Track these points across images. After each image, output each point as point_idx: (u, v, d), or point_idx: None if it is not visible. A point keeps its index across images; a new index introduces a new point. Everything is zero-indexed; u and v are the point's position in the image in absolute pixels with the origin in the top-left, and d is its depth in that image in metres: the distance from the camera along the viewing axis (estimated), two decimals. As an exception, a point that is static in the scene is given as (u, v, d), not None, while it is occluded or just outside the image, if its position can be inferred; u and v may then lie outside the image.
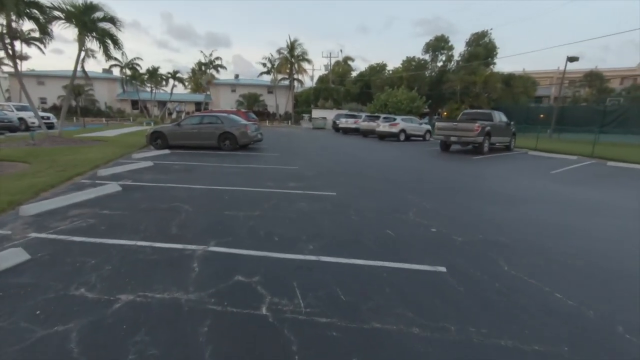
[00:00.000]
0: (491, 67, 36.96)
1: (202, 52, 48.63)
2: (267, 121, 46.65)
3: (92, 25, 13.96)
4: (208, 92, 51.57)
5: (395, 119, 22.23)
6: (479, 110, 17.00)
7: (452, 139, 15.27)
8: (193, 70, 54.82)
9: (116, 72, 43.77)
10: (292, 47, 45.63)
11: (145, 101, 45.81)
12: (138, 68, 41.47)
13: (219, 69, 47.13)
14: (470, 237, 4.53)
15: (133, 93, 45.20)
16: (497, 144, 16.49)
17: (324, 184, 7.87)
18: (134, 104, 47.79)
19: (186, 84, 64.89)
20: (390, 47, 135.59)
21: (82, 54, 14.91)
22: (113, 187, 6.80)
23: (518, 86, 37.07)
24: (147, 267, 3.50)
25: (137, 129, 24.24)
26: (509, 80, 36.22)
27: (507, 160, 14.12)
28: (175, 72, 41.41)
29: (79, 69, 15.13)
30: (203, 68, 51.13)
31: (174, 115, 46.16)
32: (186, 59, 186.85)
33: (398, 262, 3.66)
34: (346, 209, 5.85)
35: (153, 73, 40.65)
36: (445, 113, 45.02)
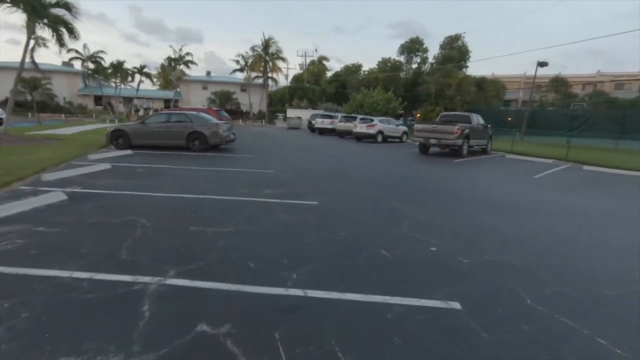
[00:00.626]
0: (464, 70, 37.47)
1: (171, 46, 46.13)
2: (240, 120, 45.30)
3: (42, 10, 12.54)
4: (178, 89, 49.52)
5: (372, 120, 21.83)
6: (457, 113, 16.87)
7: (432, 141, 14.96)
8: (162, 66, 52.59)
9: (77, 65, 40.96)
10: (266, 44, 44.56)
11: (109, 97, 43.17)
12: (102, 61, 39.01)
13: (189, 64, 45.44)
14: (476, 258, 3.96)
15: (96, 88, 42.47)
16: (475, 147, 16.37)
17: (304, 190, 7.15)
18: (97, 99, 44.91)
19: (155, 80, 62.46)
20: (364, 49, 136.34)
21: (32, 42, 13.40)
22: (57, 196, 5.77)
23: (490, 89, 37.78)
24: (79, 313, 2.65)
25: (99, 127, 22.49)
26: (481, 83, 36.83)
27: (487, 163, 13.95)
28: (142, 67, 39.22)
29: (28, 59, 13.59)
30: (173, 64, 49.15)
31: (141, 113, 43.85)
32: (156, 54, 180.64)
33: (403, 297, 3.01)
34: (331, 221, 5.16)
35: (118, 67, 38.30)
36: (418, 115, 45.51)
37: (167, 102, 48.96)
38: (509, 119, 29.66)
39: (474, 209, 6.37)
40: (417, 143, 16.20)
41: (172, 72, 47.69)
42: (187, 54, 45.65)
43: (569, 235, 5.15)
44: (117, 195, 6.24)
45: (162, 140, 13.07)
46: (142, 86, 45.15)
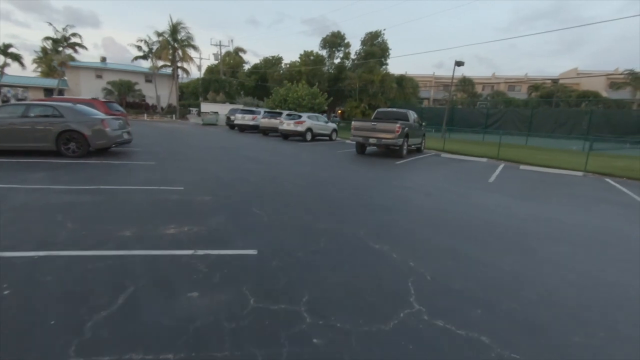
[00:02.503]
0: (385, 67, 37.68)
1: (51, 24, 37.70)
2: (145, 115, 39.53)
3: None
4: (65, 77, 41.21)
5: (300, 117, 19.78)
6: (393, 110, 15.69)
7: (371, 140, 13.47)
8: (44, 49, 43.18)
9: None
10: (174, 29, 39.37)
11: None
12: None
13: (76, 48, 37.82)
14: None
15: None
16: (412, 146, 15.42)
17: (232, 224, 4.72)
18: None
19: (34, 64, 51.74)
20: (281, 44, 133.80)
21: None
22: None
23: (408, 87, 38.72)
24: None
25: None
26: (400, 81, 37.47)
27: (430, 165, 12.91)
28: (7, 47, 31.22)
29: None
30: (54, 46, 40.64)
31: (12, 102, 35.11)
32: (39, 36, 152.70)
33: None
34: (285, 298, 2.91)
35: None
36: (340, 111, 44.99)
37: (49, 92, 40.39)
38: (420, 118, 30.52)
39: (474, 244, 4.68)
40: (354, 142, 14.59)
41: (55, 56, 39.37)
42: (74, 34, 37.95)
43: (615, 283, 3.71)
44: None
45: (17, 142, 9.26)
46: (16, 72, 36.43)
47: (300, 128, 19.34)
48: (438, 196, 7.48)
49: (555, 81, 37.08)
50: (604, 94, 42.44)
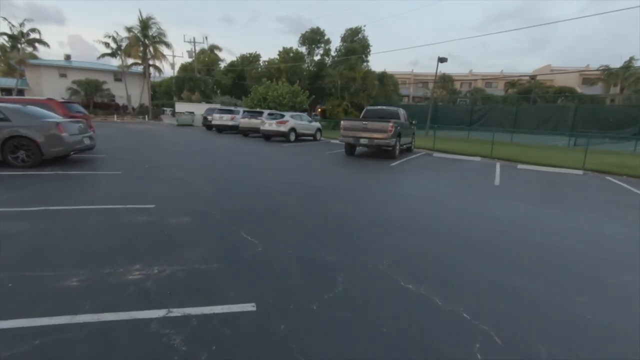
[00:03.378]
0: (365, 64, 36.92)
1: (5, 19, 34.64)
2: (115, 116, 37.27)
3: None
4: (24, 77, 38.23)
5: (283, 116, 18.65)
6: (383, 107, 14.84)
7: (363, 141, 12.55)
8: (3, 47, 39.83)
9: None
10: (144, 25, 37.18)
11: None
12: None
13: (36, 45, 35.05)
14: None
15: None
16: (404, 145, 14.62)
17: (218, 259, 3.64)
18: None
19: None
20: (256, 42, 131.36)
21: None
22: None
23: (389, 84, 38.17)
24: None
25: None
26: (382, 78, 36.85)
27: (425, 165, 12.12)
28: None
29: None
30: (12, 43, 37.60)
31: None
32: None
33: None
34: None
35: None
36: (320, 110, 43.97)
37: (8, 93, 37.32)
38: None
39: (530, 278, 3.79)
40: (342, 143, 13.62)
41: (12, 53, 36.37)
42: (33, 30, 35.16)
43: None
44: None
45: (-50, 151, 7.78)
46: None
47: (283, 128, 18.22)
48: (451, 205, 6.62)
49: (532, 77, 37.51)
50: (578, 90, 43.40)
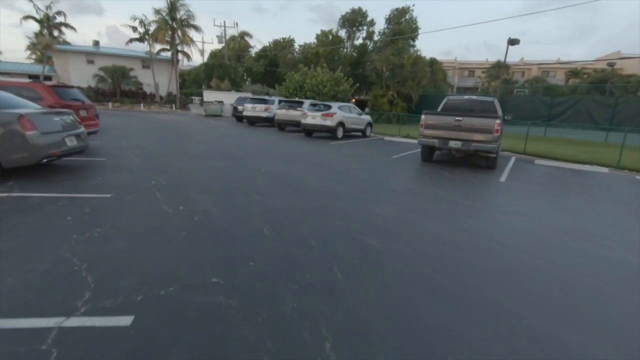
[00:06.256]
0: (413, 49, 32.73)
1: (31, 1, 32.99)
2: (142, 104, 35.20)
3: None
4: (51, 64, 36.83)
5: (330, 107, 15.25)
6: (473, 97, 11.10)
7: (454, 144, 8.99)
8: (38, 34, 38.51)
9: None
10: (172, 7, 34.60)
11: None
12: None
13: (61, 30, 33.26)
14: None
15: None
16: (496, 149, 10.87)
17: None
18: None
19: (30, 52, 47.65)
20: (287, 31, 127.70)
21: None
22: None
23: (439, 72, 33.81)
24: None
25: None
26: (432, 65, 32.58)
27: (544, 181, 8.37)
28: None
29: None
30: (40, 28, 36.21)
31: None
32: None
33: None
34: None
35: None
36: (354, 100, 40.15)
37: (34, 80, 36.10)
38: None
39: None
40: (420, 144, 10.05)
41: (37, 38, 34.99)
42: (59, 13, 33.38)
43: None
44: None
45: None
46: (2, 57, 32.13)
47: (329, 122, 14.85)
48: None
49: (611, 65, 31.98)
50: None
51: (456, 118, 8.91)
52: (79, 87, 36.85)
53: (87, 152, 8.13)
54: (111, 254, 3.30)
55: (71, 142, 6.52)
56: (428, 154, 10.07)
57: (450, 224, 4.81)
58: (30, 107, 6.38)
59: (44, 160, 5.98)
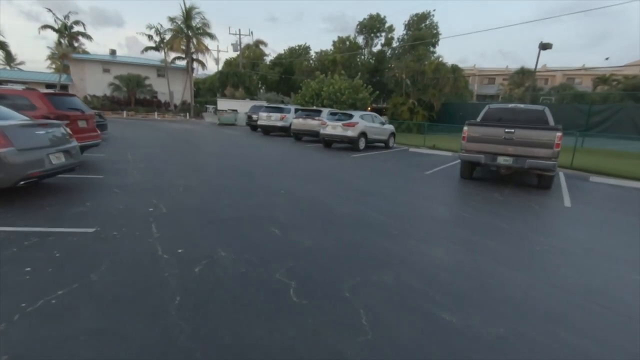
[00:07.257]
0: (433, 55, 31.45)
1: (50, 10, 33.18)
2: (156, 113, 34.86)
3: None
4: (68, 73, 36.96)
5: (351, 117, 14.09)
6: (520, 106, 9.71)
7: (503, 160, 7.69)
8: (58, 43, 38.78)
9: None
10: (187, 15, 34.34)
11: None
12: None
13: (77, 39, 33.27)
14: None
15: None
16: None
17: None
18: None
19: (50, 61, 48.27)
20: (302, 40, 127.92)
21: None
22: None
23: (461, 80, 32.37)
24: None
25: None
26: (454, 72, 31.20)
27: (614, 206, 7.01)
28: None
29: None
30: (59, 38, 36.38)
31: None
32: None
33: None
34: None
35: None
36: (369, 109, 38.92)
37: (51, 88, 36.21)
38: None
39: None
40: (461, 159, 8.76)
41: (57, 48, 35.11)
42: (76, 22, 33.47)
43: None
44: None
45: None
46: (21, 67, 32.25)
47: (351, 133, 13.69)
48: None
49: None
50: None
51: (507, 130, 7.62)
52: (94, 96, 36.76)
53: (85, 168, 7.20)
54: (68, 338, 2.16)
55: (57, 160, 5.51)
56: (469, 170, 8.77)
57: (540, 279, 3.54)
58: (10, 119, 5.41)
59: (21, 183, 4.97)
